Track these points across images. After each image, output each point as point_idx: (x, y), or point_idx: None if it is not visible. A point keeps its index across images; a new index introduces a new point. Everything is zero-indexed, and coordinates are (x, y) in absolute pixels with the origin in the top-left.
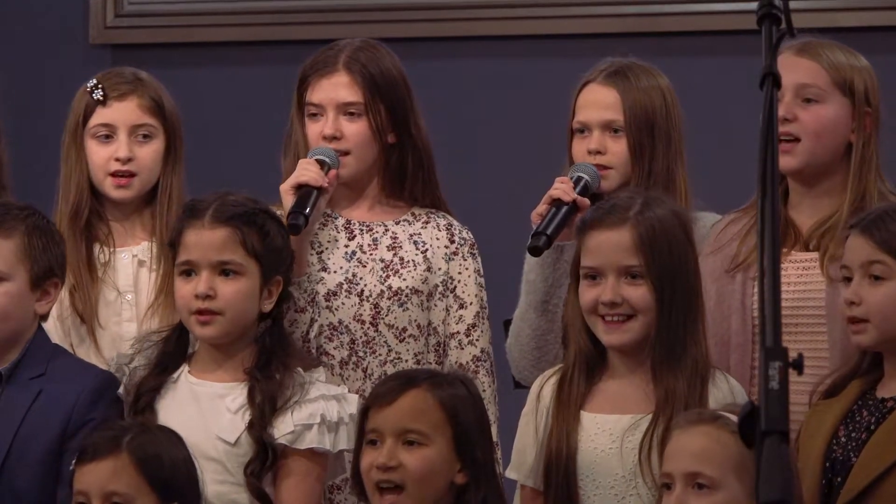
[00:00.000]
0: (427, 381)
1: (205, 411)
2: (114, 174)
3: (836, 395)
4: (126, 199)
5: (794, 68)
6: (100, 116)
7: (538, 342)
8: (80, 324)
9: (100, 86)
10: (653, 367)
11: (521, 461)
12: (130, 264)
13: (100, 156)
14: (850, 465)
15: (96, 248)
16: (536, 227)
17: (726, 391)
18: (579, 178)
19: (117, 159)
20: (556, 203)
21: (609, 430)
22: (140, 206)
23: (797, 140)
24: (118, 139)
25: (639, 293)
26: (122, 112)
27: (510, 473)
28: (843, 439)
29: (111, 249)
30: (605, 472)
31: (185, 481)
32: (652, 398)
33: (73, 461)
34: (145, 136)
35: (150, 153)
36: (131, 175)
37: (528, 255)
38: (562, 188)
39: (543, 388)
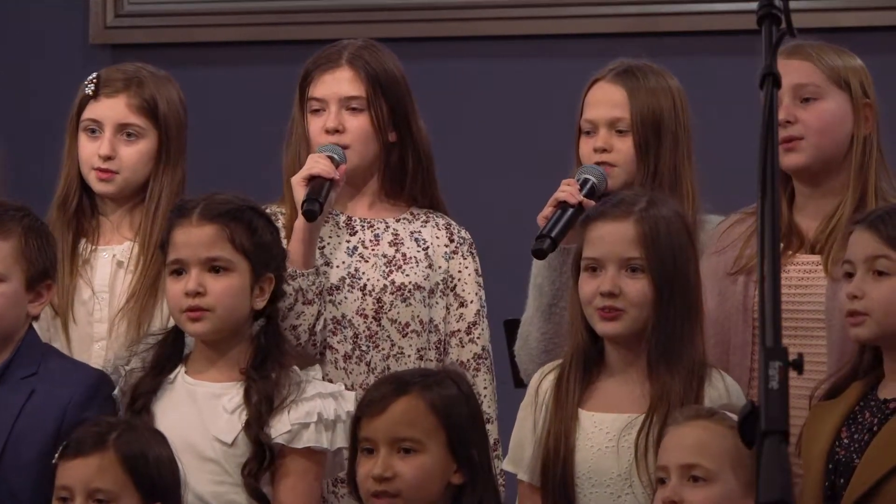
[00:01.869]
0: (417, 385)
1: (202, 411)
2: (97, 169)
3: (837, 396)
4: (108, 193)
5: (788, 70)
6: (90, 111)
7: (546, 345)
8: (54, 317)
9: (94, 80)
10: (648, 365)
11: (519, 455)
12: (109, 264)
13: (87, 150)
14: (853, 467)
15: (81, 243)
16: (541, 229)
17: (722, 390)
18: (586, 180)
19: (99, 156)
20: (562, 205)
21: (606, 429)
22: (132, 204)
23: (801, 139)
24: (104, 136)
25: (637, 287)
26: (110, 109)
27: (507, 466)
28: (845, 441)
29: (93, 247)
30: (601, 470)
31: (168, 481)
32: (648, 397)
33: (56, 455)
34: (130, 135)
35: (134, 153)
36: (113, 172)
37: (535, 260)
38: (568, 190)
39: (542, 383)
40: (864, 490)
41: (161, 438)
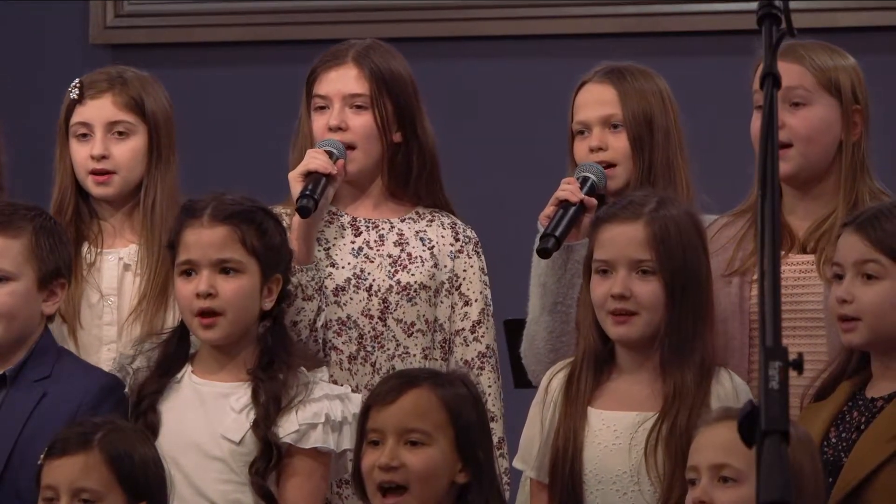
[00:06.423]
0: (429, 380)
1: (209, 411)
2: (93, 172)
3: (826, 397)
4: (107, 196)
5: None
6: (77, 115)
7: (553, 344)
8: (62, 323)
9: (78, 85)
10: (661, 365)
11: (528, 453)
12: (116, 267)
13: (80, 154)
14: (841, 465)
15: (84, 247)
16: (544, 229)
17: (729, 388)
18: (586, 178)
19: (93, 157)
20: (564, 204)
21: (614, 427)
22: (130, 206)
23: (789, 145)
24: (95, 137)
25: (648, 289)
26: (97, 110)
27: (517, 463)
28: (833, 440)
29: (98, 250)
30: (609, 467)
31: (154, 481)
32: (659, 396)
33: (42, 455)
34: (121, 133)
35: (126, 150)
36: (110, 173)
37: (536, 260)
38: (569, 189)
39: (552, 382)
40: (851, 487)
41: (147, 439)
